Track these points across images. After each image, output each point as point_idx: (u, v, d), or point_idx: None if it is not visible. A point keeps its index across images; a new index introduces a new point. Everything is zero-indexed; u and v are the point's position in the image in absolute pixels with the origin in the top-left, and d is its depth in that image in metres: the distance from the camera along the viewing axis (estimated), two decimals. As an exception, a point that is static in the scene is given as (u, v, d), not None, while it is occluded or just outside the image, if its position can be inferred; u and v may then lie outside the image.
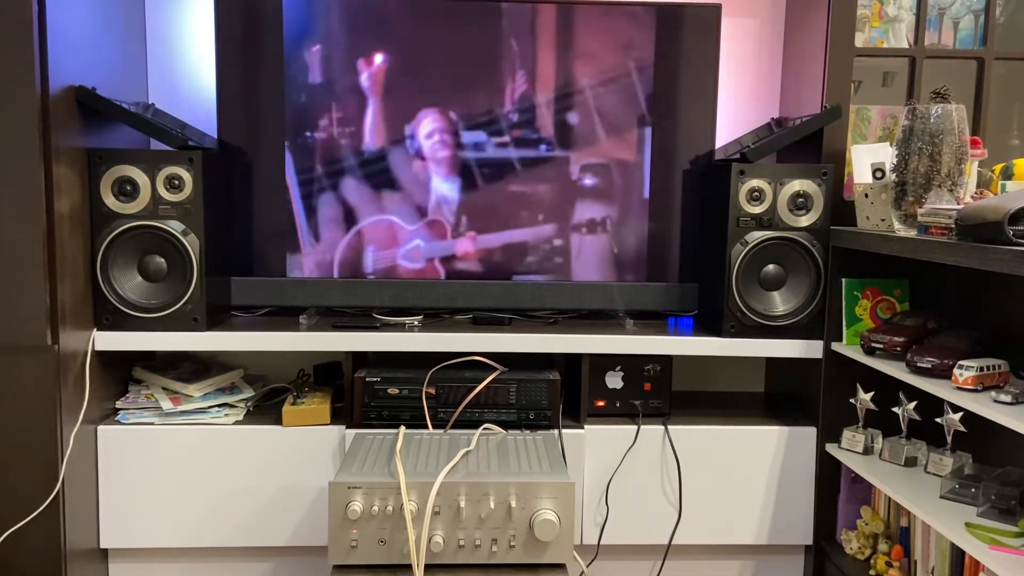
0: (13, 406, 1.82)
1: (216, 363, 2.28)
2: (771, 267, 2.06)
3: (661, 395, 2.14)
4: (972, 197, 1.80)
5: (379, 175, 2.17)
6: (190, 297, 1.98)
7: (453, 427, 2.05)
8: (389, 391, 2.04)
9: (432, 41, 2.14)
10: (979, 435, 1.81)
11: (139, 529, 2.03)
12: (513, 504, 1.69)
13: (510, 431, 2.03)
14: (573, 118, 2.18)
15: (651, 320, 2.26)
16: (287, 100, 2.15)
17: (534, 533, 1.68)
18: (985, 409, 1.48)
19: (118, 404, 2.07)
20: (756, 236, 2.03)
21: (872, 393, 1.95)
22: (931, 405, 1.86)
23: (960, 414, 1.74)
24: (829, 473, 2.08)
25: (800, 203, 2.03)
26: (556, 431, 2.05)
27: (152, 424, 2.02)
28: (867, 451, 1.97)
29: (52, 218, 1.80)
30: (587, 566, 2.12)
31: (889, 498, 1.96)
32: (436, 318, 2.25)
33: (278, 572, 2.13)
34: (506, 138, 2.17)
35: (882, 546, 1.95)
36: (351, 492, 1.67)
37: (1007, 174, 1.87)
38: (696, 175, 2.21)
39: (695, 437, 2.08)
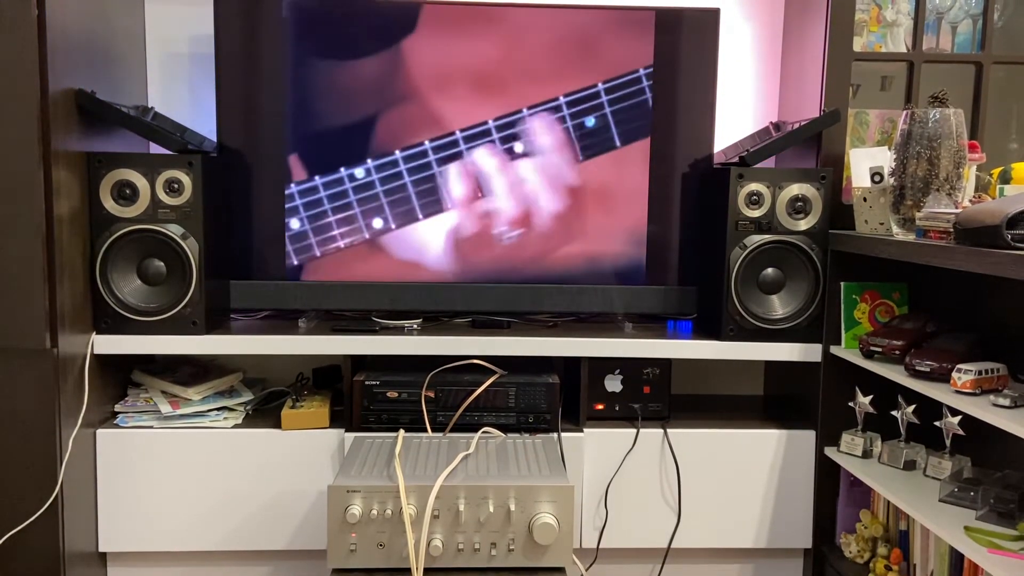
0: (12, 409, 1.82)
1: (215, 366, 2.28)
2: (770, 270, 2.06)
3: (660, 398, 2.14)
4: (970, 201, 1.81)
5: (377, 179, 2.17)
6: (189, 300, 1.98)
7: (452, 430, 2.05)
8: (388, 394, 2.04)
9: (428, 46, 2.14)
10: (978, 438, 1.81)
11: (138, 533, 2.03)
12: (512, 507, 1.69)
13: (509, 434, 2.03)
14: (571, 123, 2.18)
15: (650, 323, 2.27)
16: (287, 103, 2.15)
17: (533, 536, 1.68)
18: (984, 412, 1.48)
19: (117, 408, 2.07)
20: (755, 240, 2.03)
21: (871, 396, 1.95)
22: (930, 408, 1.86)
23: (959, 417, 1.74)
24: (828, 476, 2.08)
25: (799, 207, 2.04)
26: (555, 434, 2.05)
27: (151, 427, 2.02)
28: (866, 454, 1.97)
29: (51, 221, 1.80)
30: (586, 569, 2.12)
31: (888, 501, 1.96)
32: (435, 321, 2.25)
33: (277, 576, 2.13)
34: (506, 144, 2.17)
35: (881, 549, 1.95)
36: (350, 496, 1.67)
37: (1005, 178, 1.87)
38: (695, 179, 2.21)
39: (694, 440, 2.08)
